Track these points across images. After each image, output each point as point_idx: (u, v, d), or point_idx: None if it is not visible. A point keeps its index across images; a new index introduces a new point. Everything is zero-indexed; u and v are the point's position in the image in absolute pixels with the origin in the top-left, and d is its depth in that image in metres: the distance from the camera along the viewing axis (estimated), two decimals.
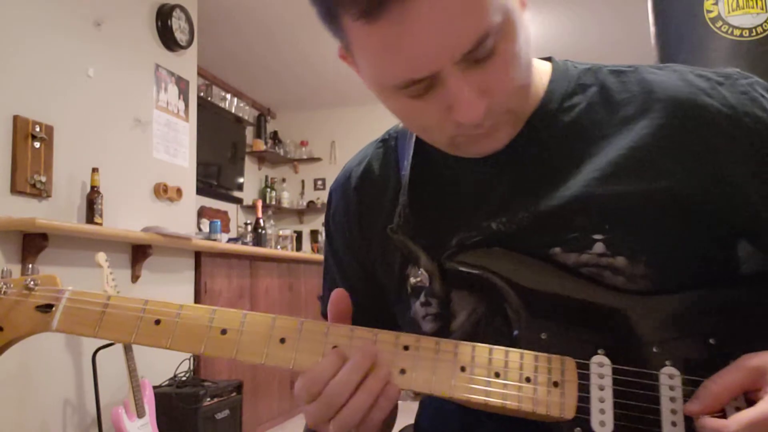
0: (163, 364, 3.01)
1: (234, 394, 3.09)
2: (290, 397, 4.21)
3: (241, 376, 3.35)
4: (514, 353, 0.62)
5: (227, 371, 3.45)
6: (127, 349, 2.50)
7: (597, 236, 0.65)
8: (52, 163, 2.61)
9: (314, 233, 6.09)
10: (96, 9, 2.93)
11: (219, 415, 2.91)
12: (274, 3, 4.07)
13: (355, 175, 0.82)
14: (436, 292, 0.70)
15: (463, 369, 0.61)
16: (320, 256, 5.14)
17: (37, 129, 2.53)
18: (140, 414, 2.49)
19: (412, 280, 0.73)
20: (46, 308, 0.68)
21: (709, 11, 1.66)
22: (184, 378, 2.99)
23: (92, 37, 2.91)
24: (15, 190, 2.44)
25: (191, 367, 3.12)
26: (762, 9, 1.62)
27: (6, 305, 0.69)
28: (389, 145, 0.81)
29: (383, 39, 0.56)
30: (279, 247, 5.26)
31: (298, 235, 6.01)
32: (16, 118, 2.47)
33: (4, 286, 0.69)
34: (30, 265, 0.74)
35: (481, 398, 0.60)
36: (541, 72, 0.72)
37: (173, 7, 3.39)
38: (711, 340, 0.61)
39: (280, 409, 4.07)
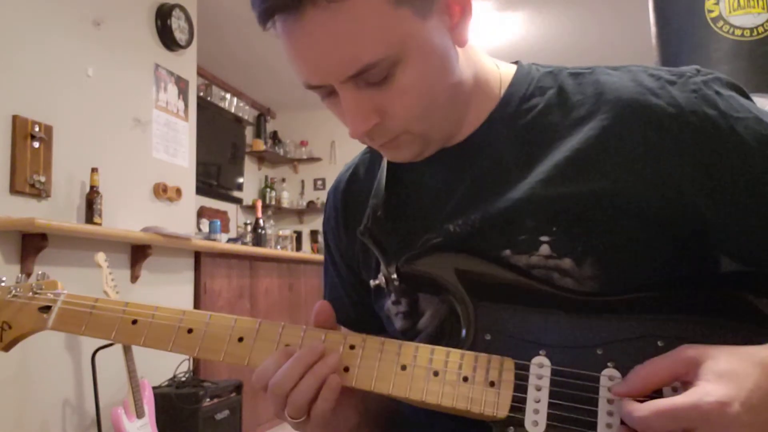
0: (163, 365, 3.00)
1: (234, 394, 3.09)
2: None
3: (241, 377, 3.34)
4: (455, 353, 0.63)
5: (227, 371, 3.45)
6: (127, 350, 2.49)
7: (543, 238, 0.65)
8: (51, 163, 2.61)
9: (314, 233, 6.09)
10: (95, 9, 2.92)
11: (219, 416, 2.91)
12: None
13: (343, 179, 0.86)
14: (394, 293, 0.74)
15: (403, 368, 0.64)
16: (320, 256, 5.13)
17: (37, 129, 2.53)
18: (140, 414, 2.48)
19: (372, 282, 0.77)
20: (46, 309, 0.77)
21: (710, 11, 1.65)
22: (183, 378, 2.99)
23: (92, 36, 2.91)
24: (14, 190, 2.44)
25: (191, 368, 3.11)
26: (763, 9, 1.62)
27: (16, 307, 0.79)
28: (375, 150, 0.83)
29: (288, 46, 0.63)
30: (279, 247, 5.26)
31: (298, 235, 6.01)
32: (15, 117, 2.47)
33: (14, 290, 0.79)
34: (40, 272, 0.84)
35: (418, 396, 0.62)
36: (502, 76, 0.74)
37: (173, 7, 3.39)
38: (659, 342, 0.60)
39: None
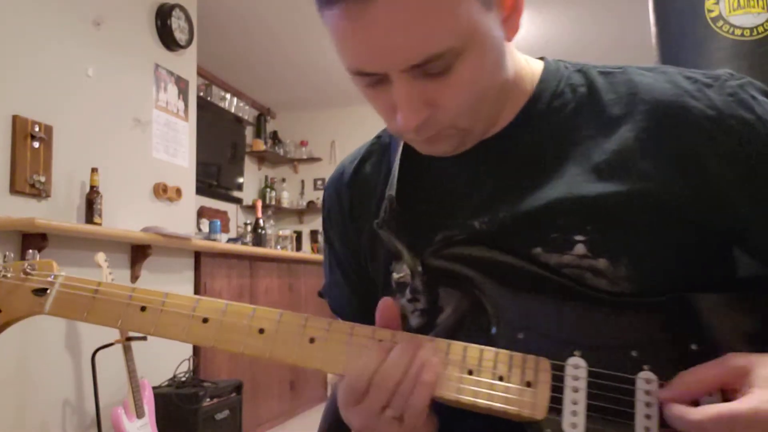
0: (163, 365, 3.00)
1: (234, 394, 3.09)
2: (290, 398, 4.21)
3: (241, 377, 3.35)
4: (489, 351, 0.62)
5: (227, 371, 3.45)
6: (127, 350, 2.49)
7: (578, 237, 0.64)
8: (51, 163, 2.61)
9: (314, 233, 6.09)
10: (95, 9, 2.92)
11: (219, 416, 2.91)
12: (274, 3, 4.06)
13: (347, 171, 0.83)
14: (419, 288, 0.71)
15: None
16: (320, 256, 5.14)
17: (37, 129, 2.53)
18: (140, 414, 2.48)
19: (395, 275, 0.74)
20: (41, 292, 0.71)
21: (710, 11, 1.65)
22: (183, 378, 2.99)
23: (92, 36, 2.91)
24: (14, 190, 2.44)
25: (191, 368, 3.11)
26: (763, 9, 1.62)
27: (5, 288, 0.71)
28: (383, 142, 0.82)
29: (343, 29, 0.59)
30: (279, 247, 5.26)
31: (298, 235, 6.01)
32: (15, 117, 2.47)
33: (4, 270, 0.72)
34: (30, 251, 0.77)
35: (453, 395, 0.60)
36: (532, 72, 0.73)
37: (173, 7, 3.39)
38: (693, 346, 0.60)
39: (280, 409, 4.06)
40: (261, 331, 0.65)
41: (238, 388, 3.13)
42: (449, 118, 0.64)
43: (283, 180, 6.26)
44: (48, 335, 2.50)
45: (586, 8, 4.28)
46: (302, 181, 6.28)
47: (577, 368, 0.60)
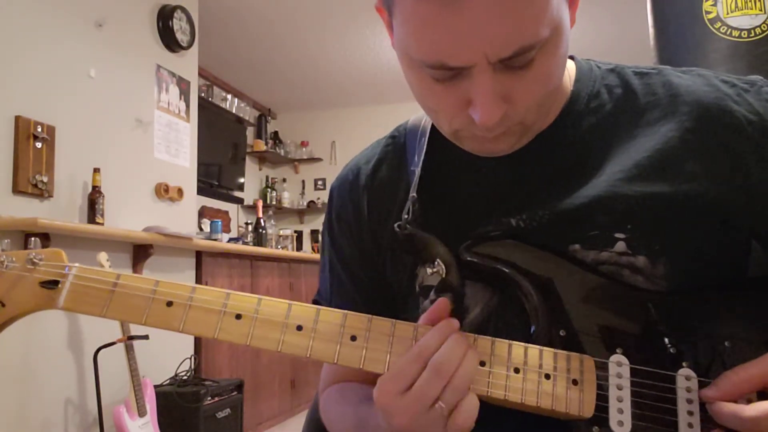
0: (164, 364, 3.02)
1: (235, 393, 3.09)
2: (291, 396, 4.22)
3: (242, 375, 3.36)
4: (534, 349, 0.61)
5: (228, 370, 3.46)
6: (129, 349, 2.51)
7: (619, 235, 0.65)
8: (53, 164, 2.62)
9: (315, 233, 6.09)
10: (97, 10, 2.93)
11: (220, 414, 2.92)
12: (275, 3, 4.07)
13: (364, 173, 0.80)
14: (453, 284, 0.68)
15: (482, 364, 0.60)
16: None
17: (39, 129, 2.54)
18: (141, 413, 2.50)
19: (428, 270, 0.69)
20: (52, 284, 0.64)
21: (707, 12, 1.66)
22: (185, 377, 3.00)
23: (94, 38, 2.92)
24: (17, 190, 2.45)
25: (192, 366, 3.13)
26: (760, 10, 1.63)
27: (8, 280, 0.64)
28: (398, 142, 0.80)
29: (430, 15, 0.54)
30: (279, 246, 5.27)
31: (299, 235, 6.02)
32: (17, 118, 2.48)
33: (6, 260, 0.64)
34: (32, 238, 0.72)
35: (501, 394, 0.59)
36: (567, 70, 0.72)
37: (174, 8, 3.40)
38: (726, 343, 0.61)
39: (280, 408, 4.07)
40: (299, 328, 0.62)
41: (239, 387, 3.13)
42: (520, 114, 0.61)
43: (284, 180, 6.28)
44: (50, 334, 2.51)
45: (585, 9, 4.28)
46: (303, 181, 6.29)
47: (620, 366, 0.61)
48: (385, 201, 0.77)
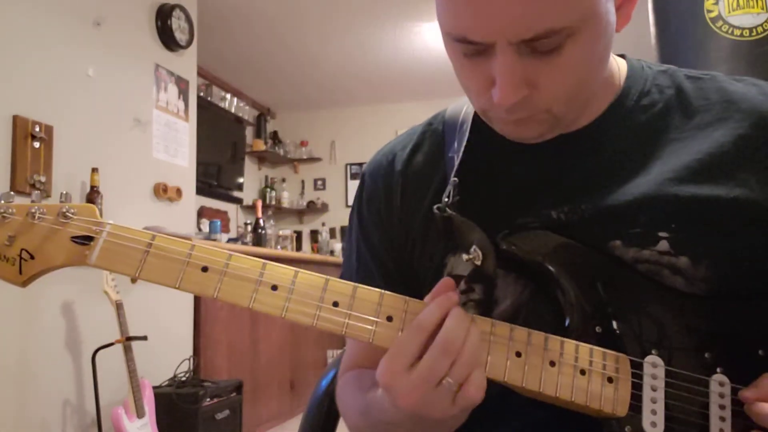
0: (163, 364, 3.01)
1: (234, 394, 3.09)
2: (290, 397, 4.21)
3: (241, 376, 3.35)
4: (570, 344, 0.60)
5: (227, 371, 3.45)
6: (127, 349, 2.50)
7: (662, 234, 0.64)
8: (51, 163, 2.61)
9: (314, 233, 6.09)
10: (96, 9, 2.92)
11: (219, 415, 2.91)
12: (275, 2, 4.06)
13: (400, 158, 0.79)
14: (488, 273, 0.66)
15: (518, 354, 0.59)
16: (320, 257, 5.14)
17: (37, 129, 2.53)
18: (140, 414, 2.49)
19: (463, 257, 0.67)
20: (85, 240, 0.62)
21: (709, 11, 1.66)
22: (183, 378, 2.99)
23: (92, 37, 2.91)
24: (15, 189, 2.44)
25: (191, 367, 3.12)
26: (762, 9, 1.62)
27: (40, 233, 0.62)
28: (436, 129, 0.79)
29: None
30: (279, 247, 5.26)
31: (298, 235, 6.01)
32: (15, 118, 2.47)
33: (37, 212, 0.62)
34: (63, 192, 0.72)
35: (535, 387, 0.58)
36: (618, 68, 0.72)
37: (173, 7, 3.39)
38: (761, 351, 0.61)
39: (280, 409, 4.07)
40: (335, 304, 0.60)
41: (238, 388, 3.13)
42: (546, 102, 0.61)
43: (283, 180, 6.27)
44: (49, 335, 2.50)
45: None
46: (302, 181, 6.28)
47: (655, 367, 0.60)
48: (420, 187, 0.76)
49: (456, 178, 0.69)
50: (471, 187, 0.71)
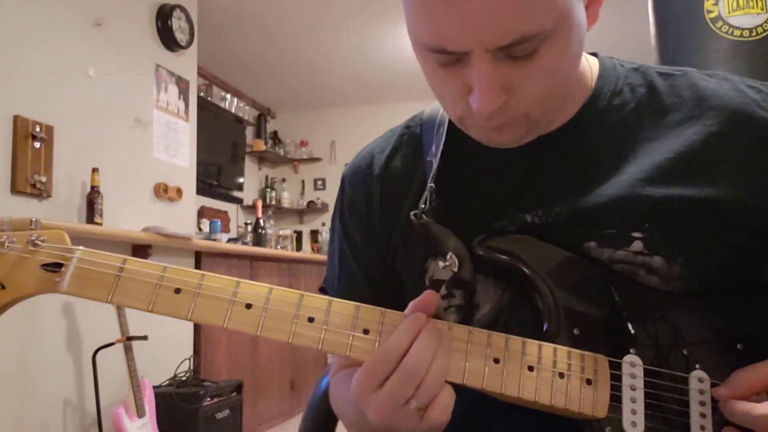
0: (164, 364, 3.01)
1: (234, 394, 3.09)
2: (290, 397, 4.21)
3: (241, 376, 3.35)
4: (548, 347, 0.60)
5: (227, 371, 3.46)
6: (127, 349, 2.50)
7: (636, 234, 0.64)
8: (52, 163, 2.61)
9: (314, 233, 6.09)
10: (96, 9, 2.93)
11: (219, 415, 2.92)
12: (275, 3, 4.07)
13: (377, 162, 0.79)
14: (465, 279, 0.67)
15: (496, 360, 0.59)
16: (320, 256, 5.13)
17: (38, 129, 2.53)
18: (140, 414, 2.49)
19: (440, 264, 0.68)
20: (54, 267, 0.61)
21: (709, 11, 1.66)
22: (184, 378, 2.99)
23: (92, 37, 2.91)
24: (15, 190, 2.44)
25: (191, 367, 3.12)
26: (762, 9, 1.62)
27: (8, 261, 0.61)
28: (414, 132, 0.79)
29: (427, 1, 0.56)
30: (279, 247, 5.26)
31: (298, 235, 6.01)
32: (16, 118, 2.47)
33: (6, 240, 0.61)
34: (33, 218, 0.66)
35: (514, 392, 0.58)
36: (590, 67, 0.72)
37: (173, 8, 3.39)
38: (739, 346, 0.61)
39: (280, 409, 4.07)
40: (311, 320, 0.60)
41: (238, 388, 3.13)
42: (524, 106, 0.61)
43: (284, 180, 6.27)
44: (49, 335, 2.51)
45: None
46: (302, 181, 6.28)
47: (633, 366, 0.60)
48: (399, 191, 0.76)
49: (432, 185, 0.70)
50: (448, 191, 0.71)
